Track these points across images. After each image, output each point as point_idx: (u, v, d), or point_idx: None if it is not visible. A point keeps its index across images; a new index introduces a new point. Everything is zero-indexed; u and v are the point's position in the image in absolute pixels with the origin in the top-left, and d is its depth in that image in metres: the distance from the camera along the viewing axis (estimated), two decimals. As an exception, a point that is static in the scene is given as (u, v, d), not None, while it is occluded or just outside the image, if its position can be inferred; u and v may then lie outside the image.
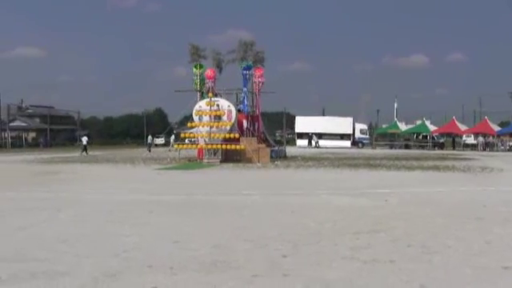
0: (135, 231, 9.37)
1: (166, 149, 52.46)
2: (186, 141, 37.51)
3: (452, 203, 13.63)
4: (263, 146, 33.47)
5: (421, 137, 71.25)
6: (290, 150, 45.34)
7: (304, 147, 67.33)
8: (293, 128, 78.22)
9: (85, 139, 48.73)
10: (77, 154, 45.63)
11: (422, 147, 66.41)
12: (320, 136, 71.23)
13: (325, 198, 14.56)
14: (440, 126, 72.63)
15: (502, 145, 61.91)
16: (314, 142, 70.25)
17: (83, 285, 6.06)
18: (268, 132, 45.15)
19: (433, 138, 68.86)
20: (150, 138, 59.04)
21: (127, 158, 35.86)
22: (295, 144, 72.73)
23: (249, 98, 35.44)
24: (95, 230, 9.53)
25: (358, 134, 73.70)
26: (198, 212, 11.89)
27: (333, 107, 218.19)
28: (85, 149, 46.99)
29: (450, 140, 72.61)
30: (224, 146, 31.11)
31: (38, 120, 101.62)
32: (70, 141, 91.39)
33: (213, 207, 12.70)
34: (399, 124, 73.42)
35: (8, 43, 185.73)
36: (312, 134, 71.83)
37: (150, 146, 56.04)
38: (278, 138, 69.37)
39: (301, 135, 74.17)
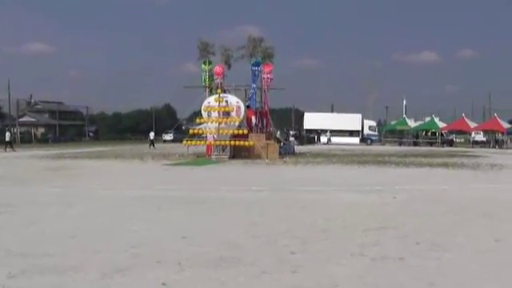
0: (144, 227, 9.39)
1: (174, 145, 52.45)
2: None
3: (461, 200, 13.57)
4: (272, 142, 33.44)
5: (430, 134, 70.96)
6: (298, 147, 45.30)
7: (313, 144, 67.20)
8: (301, 124, 77.98)
9: (152, 134, 52.91)
10: (147, 146, 50.18)
11: (431, 144, 66.16)
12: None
13: (334, 194, 14.53)
14: (449, 122, 72.33)
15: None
16: (326, 139, 69.93)
17: (92, 280, 6.08)
18: (277, 128, 44.96)
19: (441, 134, 68.55)
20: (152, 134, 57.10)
21: (136, 154, 35.90)
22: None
23: (257, 95, 35.41)
24: (104, 226, 9.56)
25: (366, 131, 73.45)
26: (207, 208, 11.89)
27: (342, 104, 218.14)
28: (152, 143, 50.89)
29: (460, 137, 72.16)
30: (233, 142, 31.04)
31: (46, 115, 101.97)
32: (79, 136, 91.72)
33: (221, 203, 12.69)
34: (408, 121, 73.21)
35: (17, 39, 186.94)
36: (320, 130, 71.67)
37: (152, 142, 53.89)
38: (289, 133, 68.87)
39: (310, 131, 73.99)
